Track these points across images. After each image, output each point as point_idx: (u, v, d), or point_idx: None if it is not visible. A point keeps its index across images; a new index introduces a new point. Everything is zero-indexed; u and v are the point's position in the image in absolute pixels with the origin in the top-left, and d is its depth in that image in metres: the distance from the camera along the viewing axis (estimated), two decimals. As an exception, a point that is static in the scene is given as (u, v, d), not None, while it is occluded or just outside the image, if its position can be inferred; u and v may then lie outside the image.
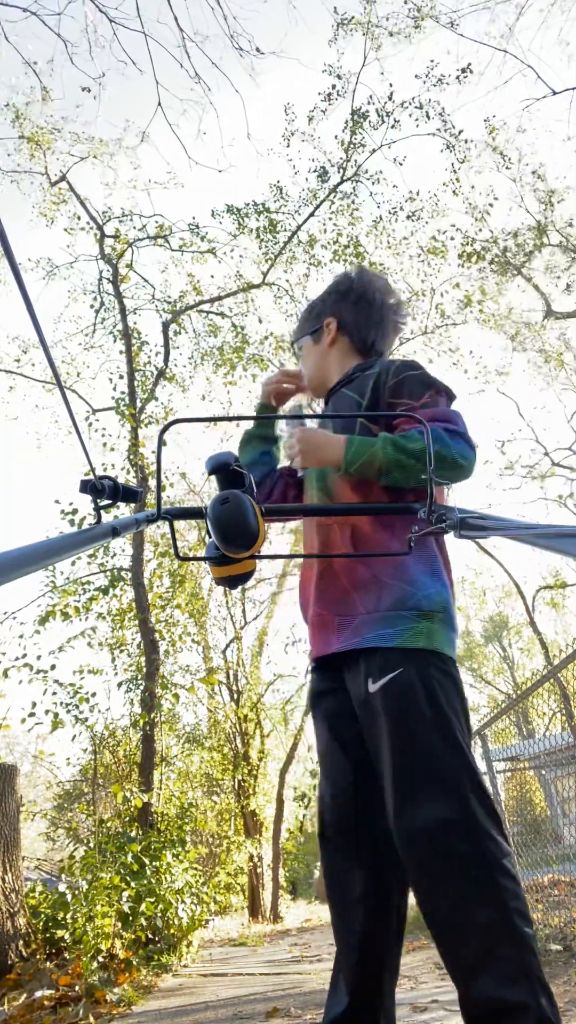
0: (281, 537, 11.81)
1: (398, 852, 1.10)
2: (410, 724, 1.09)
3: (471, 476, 1.22)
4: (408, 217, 9.56)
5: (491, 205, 9.73)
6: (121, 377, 8.18)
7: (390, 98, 9.03)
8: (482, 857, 0.99)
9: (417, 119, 9.11)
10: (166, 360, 8.49)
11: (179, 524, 1.03)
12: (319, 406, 1.66)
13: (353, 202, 9.41)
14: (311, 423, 1.44)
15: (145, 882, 4.35)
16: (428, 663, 1.13)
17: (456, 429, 1.20)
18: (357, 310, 1.49)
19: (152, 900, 4.31)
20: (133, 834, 4.94)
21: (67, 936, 4.10)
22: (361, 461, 1.19)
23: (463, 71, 8.97)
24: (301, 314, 1.60)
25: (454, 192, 9.68)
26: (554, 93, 8.82)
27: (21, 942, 3.80)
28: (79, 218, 9.45)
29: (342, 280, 1.53)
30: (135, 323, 8.53)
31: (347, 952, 1.17)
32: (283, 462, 1.55)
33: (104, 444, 7.87)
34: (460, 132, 9.22)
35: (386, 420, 1.31)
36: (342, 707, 1.24)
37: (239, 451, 1.56)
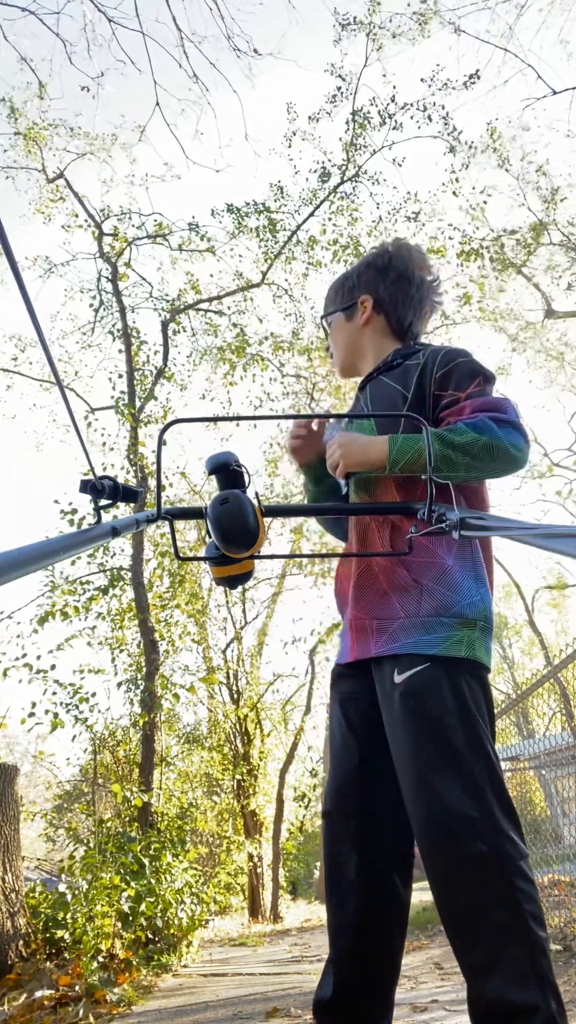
0: (281, 537, 11.80)
1: (415, 842, 1.09)
2: (434, 714, 1.07)
3: (525, 467, 1.17)
4: (407, 218, 9.56)
5: (484, 203, 9.73)
6: (120, 376, 8.17)
7: (392, 100, 9.03)
8: (499, 857, 0.99)
9: (419, 122, 9.12)
10: (165, 359, 8.49)
11: (179, 524, 1.03)
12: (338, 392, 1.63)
13: (353, 202, 9.41)
14: (343, 423, 1.38)
15: (145, 882, 4.35)
16: (462, 667, 1.11)
17: (507, 418, 1.14)
18: (396, 288, 1.40)
19: (152, 900, 4.30)
20: (133, 834, 4.94)
21: (67, 936, 4.09)
22: (406, 459, 1.14)
23: (471, 77, 8.97)
24: (332, 286, 1.49)
25: (454, 193, 9.68)
26: (554, 93, 8.83)
27: (21, 942, 3.80)
28: (76, 216, 9.44)
29: (380, 254, 1.44)
30: (134, 322, 8.51)
31: (339, 935, 1.16)
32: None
33: (103, 444, 7.88)
34: (460, 133, 9.22)
35: (433, 412, 1.25)
36: (361, 692, 1.22)
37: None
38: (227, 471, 0.95)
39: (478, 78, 8.97)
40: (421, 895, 9.97)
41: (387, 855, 1.17)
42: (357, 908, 1.14)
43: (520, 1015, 0.91)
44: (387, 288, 1.40)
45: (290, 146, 9.55)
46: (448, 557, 1.19)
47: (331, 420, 1.34)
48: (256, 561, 1.03)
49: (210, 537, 0.93)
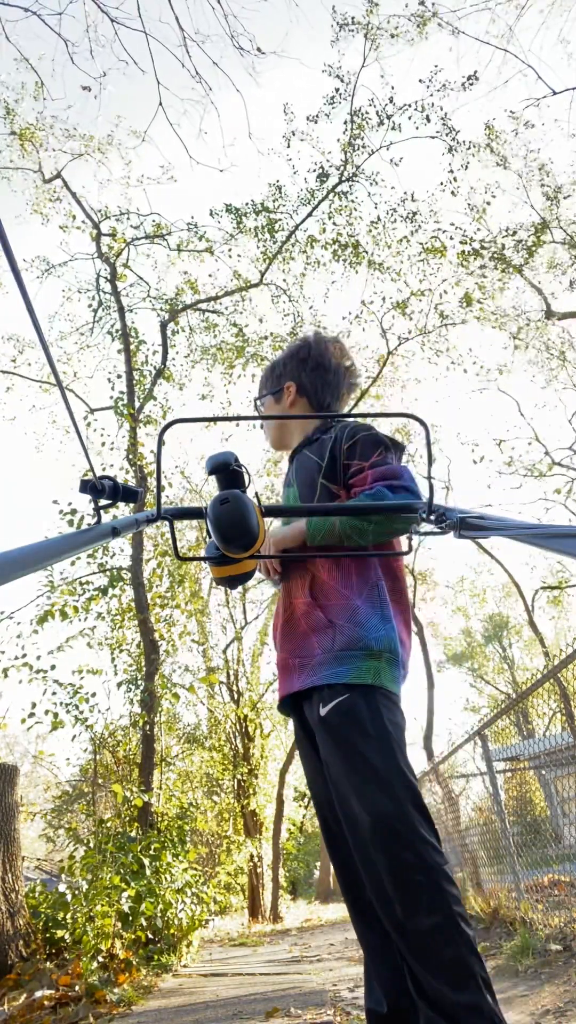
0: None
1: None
2: (354, 740, 1.20)
3: (404, 531, 1.31)
4: (405, 218, 9.56)
5: (488, 204, 9.73)
6: (119, 377, 8.17)
7: (391, 100, 9.03)
8: (424, 863, 1.08)
9: (417, 123, 9.12)
10: (164, 359, 8.49)
11: (179, 524, 1.03)
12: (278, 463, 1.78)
13: (352, 202, 9.42)
14: (277, 523, 1.53)
15: (145, 882, 4.35)
16: (374, 693, 1.24)
17: (400, 484, 1.30)
18: (314, 375, 1.61)
19: (152, 900, 4.30)
20: (133, 834, 4.94)
21: (67, 936, 4.09)
22: (322, 533, 1.31)
23: (469, 78, 8.97)
24: (263, 374, 1.72)
25: (452, 193, 9.68)
26: (554, 93, 8.83)
27: (21, 942, 3.80)
28: (74, 217, 9.44)
29: (301, 346, 1.65)
30: (132, 322, 8.51)
31: (368, 954, 1.27)
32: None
33: (103, 444, 7.87)
34: (458, 133, 9.22)
35: (343, 479, 1.42)
36: (301, 726, 1.39)
37: None
38: (227, 471, 0.95)
39: (476, 79, 8.98)
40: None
41: None
42: (376, 924, 1.24)
43: (464, 1015, 0.98)
44: (307, 375, 1.62)
45: (288, 146, 9.56)
46: (357, 598, 1.32)
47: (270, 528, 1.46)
48: (256, 561, 1.03)
49: (210, 537, 0.93)
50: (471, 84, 8.99)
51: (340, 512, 1.32)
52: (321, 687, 1.26)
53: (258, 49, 7.79)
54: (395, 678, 1.28)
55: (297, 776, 13.56)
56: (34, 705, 5.96)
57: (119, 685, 6.79)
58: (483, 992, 1.00)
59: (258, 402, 1.72)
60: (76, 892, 4.27)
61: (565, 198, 10.35)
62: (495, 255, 9.81)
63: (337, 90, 9.19)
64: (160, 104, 7.97)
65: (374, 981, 1.23)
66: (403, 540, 1.44)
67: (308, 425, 1.61)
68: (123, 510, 6.41)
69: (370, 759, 1.17)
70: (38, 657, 6.36)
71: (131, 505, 0.97)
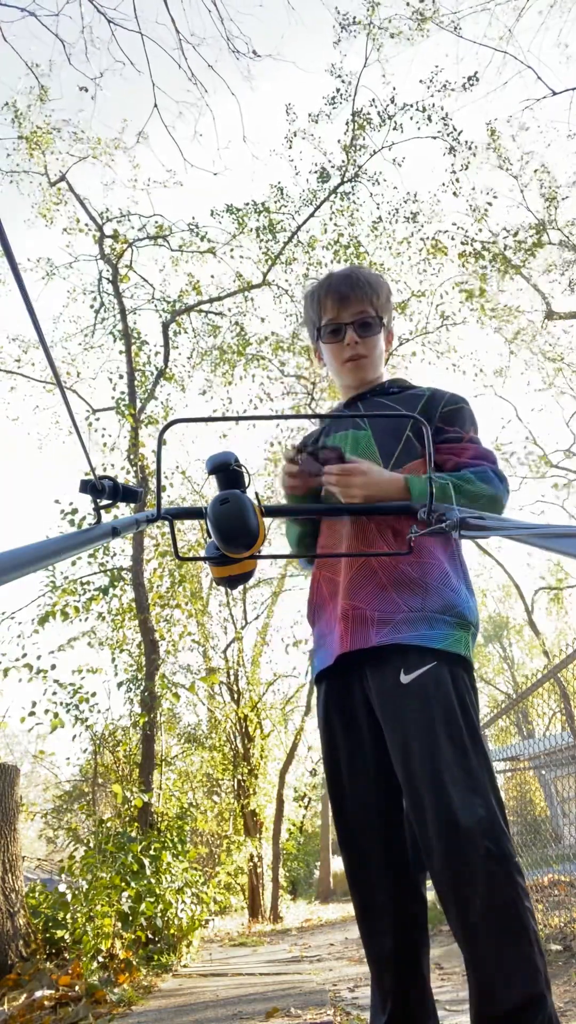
0: (281, 537, 11.79)
1: (419, 845, 1.09)
2: (443, 715, 1.08)
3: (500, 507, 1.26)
4: (407, 219, 9.57)
5: (490, 204, 9.74)
6: (121, 377, 8.18)
7: (392, 100, 9.03)
8: (504, 855, 1.01)
9: (419, 123, 9.12)
10: (166, 360, 8.49)
11: (179, 524, 1.03)
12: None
13: (354, 203, 9.42)
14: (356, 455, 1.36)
15: (145, 882, 4.35)
16: (461, 668, 1.15)
17: (502, 472, 1.25)
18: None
19: (152, 900, 4.30)
20: (133, 834, 4.94)
21: (67, 936, 4.09)
22: (430, 497, 1.18)
23: (469, 79, 8.97)
24: (384, 288, 1.45)
25: (454, 194, 9.69)
26: (554, 94, 8.84)
27: (21, 942, 3.80)
28: (78, 220, 9.46)
29: (384, 282, 1.47)
30: (135, 323, 8.52)
31: (383, 967, 1.17)
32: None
33: (104, 444, 7.88)
34: (460, 133, 9.23)
35: (432, 440, 1.26)
36: (354, 701, 1.23)
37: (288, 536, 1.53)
38: (227, 471, 0.95)
39: (477, 80, 8.98)
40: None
41: (409, 866, 1.17)
42: (394, 936, 1.16)
43: (531, 1006, 0.96)
44: (391, 323, 1.51)
45: (290, 147, 9.56)
46: (446, 562, 1.22)
47: (304, 455, 1.32)
48: (256, 561, 1.03)
49: (210, 537, 0.93)
50: (472, 85, 9.00)
51: (341, 512, 1.31)
52: (406, 648, 1.13)
53: (254, 52, 7.80)
54: (472, 648, 1.20)
55: (297, 776, 13.57)
56: (34, 705, 5.97)
57: (119, 685, 6.79)
58: (547, 986, 0.99)
59: (373, 316, 1.41)
60: (76, 892, 4.27)
61: (564, 199, 10.36)
62: (496, 255, 9.81)
63: (338, 90, 9.20)
64: (155, 106, 7.97)
65: (389, 995, 1.16)
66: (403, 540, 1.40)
67: (380, 372, 1.47)
68: (123, 510, 6.41)
69: (460, 737, 1.07)
70: (38, 657, 6.37)
71: (131, 505, 0.97)
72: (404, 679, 1.12)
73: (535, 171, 10.47)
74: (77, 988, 3.23)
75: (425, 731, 1.08)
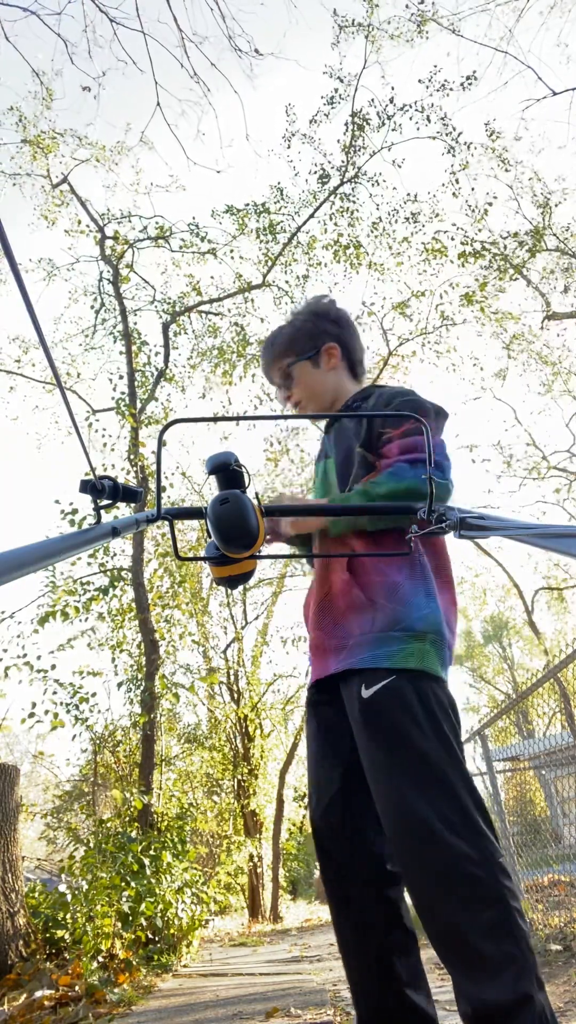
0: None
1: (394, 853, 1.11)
2: (401, 726, 1.11)
3: (450, 494, 1.24)
4: (407, 219, 9.57)
5: (490, 204, 9.74)
6: (121, 378, 8.18)
7: (391, 101, 9.03)
8: (482, 857, 1.01)
9: (418, 123, 9.13)
10: (166, 361, 8.49)
11: (179, 524, 1.03)
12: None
13: (354, 203, 9.42)
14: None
15: (145, 882, 4.35)
16: (421, 678, 1.16)
17: (420, 457, 1.21)
18: (351, 336, 1.55)
19: (152, 900, 4.30)
20: (133, 834, 4.95)
21: (67, 936, 4.09)
22: (340, 526, 1.27)
23: (468, 78, 8.97)
24: (283, 337, 1.54)
25: (454, 194, 9.69)
26: (554, 94, 8.84)
27: (21, 942, 3.80)
28: (79, 221, 9.47)
29: (330, 307, 1.56)
30: (135, 324, 8.52)
31: (362, 975, 1.17)
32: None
33: (104, 444, 7.88)
34: (460, 134, 9.23)
35: (377, 448, 1.33)
36: (338, 718, 1.27)
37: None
38: (227, 471, 0.95)
39: (475, 79, 8.98)
40: (421, 895, 9.93)
41: (386, 874, 1.19)
42: (376, 940, 1.17)
43: (518, 1008, 0.94)
44: (346, 335, 1.54)
45: (289, 147, 9.56)
46: (398, 575, 1.24)
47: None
48: (256, 561, 1.03)
49: (210, 537, 0.93)
50: (470, 84, 9.00)
51: (341, 512, 1.32)
52: (362, 670, 1.17)
53: (256, 50, 7.80)
54: (442, 661, 1.19)
55: (297, 776, 13.55)
56: (34, 705, 5.97)
57: (119, 685, 6.79)
58: (536, 986, 0.96)
59: (284, 369, 1.51)
60: (76, 892, 4.27)
61: (556, 205, 10.37)
62: (496, 255, 9.81)
63: (336, 90, 9.20)
64: (158, 104, 7.97)
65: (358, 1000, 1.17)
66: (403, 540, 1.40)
67: (344, 385, 1.51)
68: (123, 510, 6.40)
69: (421, 747, 1.08)
70: (39, 657, 6.37)
71: (131, 505, 0.97)
72: (364, 694, 1.16)
73: (528, 179, 10.49)
74: (77, 988, 3.23)
75: (384, 747, 1.11)
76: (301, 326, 1.53)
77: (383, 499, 1.20)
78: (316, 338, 1.50)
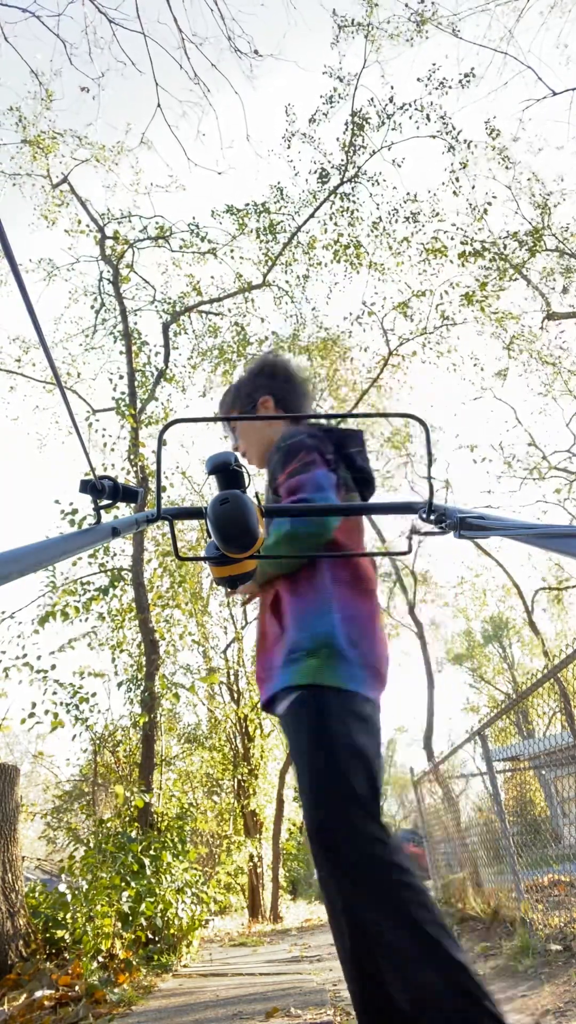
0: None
1: None
2: (293, 737, 1.23)
3: (327, 531, 1.33)
4: (407, 219, 9.57)
5: (490, 204, 9.74)
6: (121, 378, 8.18)
7: (391, 100, 9.04)
8: (373, 860, 1.06)
9: (417, 122, 9.13)
10: (166, 361, 8.50)
11: (179, 524, 1.03)
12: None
13: (354, 202, 9.42)
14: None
15: (145, 882, 4.35)
16: (317, 692, 1.23)
17: (301, 498, 1.31)
18: (287, 387, 1.67)
19: (152, 900, 4.30)
20: (133, 834, 4.95)
21: (67, 936, 4.09)
22: (258, 573, 1.39)
23: (466, 76, 8.98)
24: (225, 398, 1.73)
25: (454, 193, 9.69)
26: (554, 94, 8.85)
27: (21, 942, 3.80)
28: (80, 221, 9.47)
29: (264, 364, 1.72)
30: (135, 324, 8.53)
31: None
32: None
33: (104, 444, 7.88)
34: (459, 132, 9.23)
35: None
36: None
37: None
38: (227, 471, 0.95)
39: (474, 75, 8.99)
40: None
41: None
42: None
43: (434, 1002, 0.96)
44: (280, 387, 1.67)
45: (289, 147, 9.56)
46: (302, 601, 1.33)
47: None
48: (256, 561, 1.03)
49: (210, 537, 0.93)
50: (468, 81, 9.00)
51: (341, 512, 1.32)
52: (277, 693, 1.30)
53: (255, 51, 7.80)
54: (341, 673, 1.24)
55: (297, 776, 13.55)
56: (34, 705, 5.97)
57: (119, 685, 6.80)
58: (449, 974, 0.97)
59: (229, 424, 1.73)
60: (76, 892, 4.27)
61: (555, 206, 10.38)
62: (496, 255, 9.81)
63: (336, 90, 9.20)
64: (158, 106, 7.97)
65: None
66: (403, 540, 1.45)
67: (268, 441, 1.61)
68: (123, 510, 6.40)
69: (306, 759, 1.16)
70: (39, 657, 6.37)
71: (131, 505, 0.97)
72: (279, 712, 1.32)
73: (528, 179, 10.49)
74: (77, 988, 3.23)
75: (293, 758, 1.24)
76: (240, 385, 1.71)
77: (275, 550, 1.32)
78: (252, 394, 1.66)
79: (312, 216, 9.37)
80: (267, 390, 1.65)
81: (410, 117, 9.12)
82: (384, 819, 1.12)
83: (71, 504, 6.62)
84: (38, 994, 3.14)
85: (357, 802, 1.11)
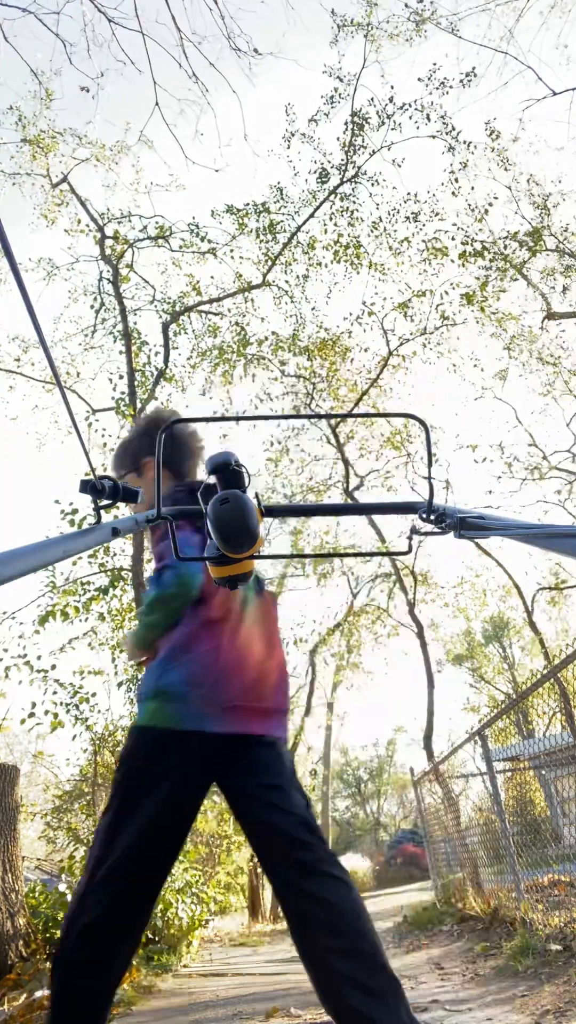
0: (281, 538, 11.81)
1: None
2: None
3: (185, 592, 1.42)
4: (407, 219, 9.57)
5: (490, 205, 9.74)
6: (121, 377, 8.18)
7: (391, 100, 9.03)
8: (72, 909, 1.24)
9: (417, 122, 9.13)
10: (166, 360, 8.50)
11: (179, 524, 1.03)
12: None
13: (354, 202, 9.42)
14: None
15: (145, 882, 4.34)
16: (138, 733, 1.37)
17: (160, 567, 1.42)
18: (170, 447, 1.71)
19: (152, 900, 4.30)
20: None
21: (67, 936, 4.08)
22: (133, 646, 1.50)
23: (467, 75, 8.97)
24: (115, 456, 1.82)
25: (453, 193, 9.69)
26: (554, 94, 8.84)
27: (21, 942, 3.80)
28: (79, 221, 9.47)
29: (150, 421, 1.78)
30: (135, 323, 8.52)
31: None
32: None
33: (104, 444, 7.88)
34: (459, 133, 9.23)
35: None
36: None
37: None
38: (227, 471, 0.95)
39: (475, 75, 8.98)
40: (420, 895, 9.92)
41: None
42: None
43: None
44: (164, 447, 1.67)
45: (289, 147, 9.56)
46: (161, 651, 1.44)
47: None
48: (256, 561, 1.03)
49: (210, 537, 0.93)
50: (469, 80, 9.00)
51: (341, 512, 1.32)
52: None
53: (255, 50, 7.79)
54: (170, 712, 1.35)
55: (297, 776, 13.56)
56: (34, 705, 5.97)
57: (119, 685, 6.79)
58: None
59: (120, 479, 1.83)
60: (76, 892, 4.26)
61: (555, 207, 10.37)
62: (497, 254, 9.81)
63: (336, 90, 9.20)
64: (157, 104, 7.97)
65: None
66: (403, 540, 1.46)
67: (151, 502, 1.70)
68: (123, 510, 6.40)
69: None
70: (39, 657, 6.37)
71: (131, 505, 0.97)
72: None
73: (528, 180, 10.49)
74: (77, 988, 3.22)
75: None
76: (127, 445, 1.79)
77: (148, 615, 1.44)
78: (137, 455, 1.75)
79: (312, 216, 9.36)
80: (150, 451, 1.71)
81: (410, 117, 9.12)
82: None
83: (71, 504, 6.62)
84: (38, 994, 3.13)
85: (103, 848, 1.28)
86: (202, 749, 1.34)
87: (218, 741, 1.35)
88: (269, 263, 9.43)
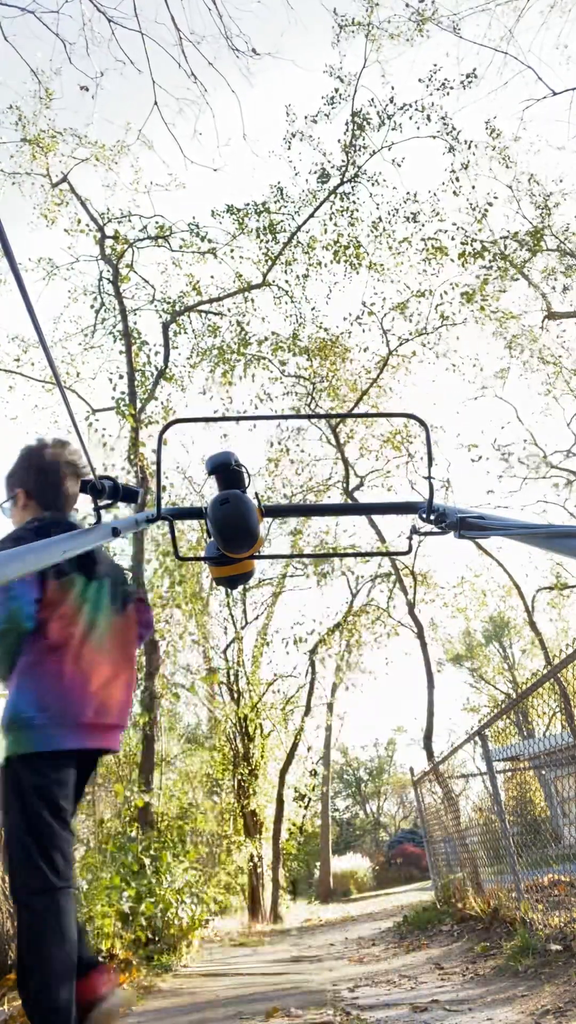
0: (281, 538, 11.81)
1: None
2: (3, 804, 1.48)
3: (19, 625, 1.50)
4: (407, 219, 9.57)
5: (490, 205, 9.74)
6: (121, 377, 8.19)
7: (391, 100, 9.04)
8: (19, 919, 1.40)
9: (418, 122, 9.13)
10: (166, 360, 8.50)
11: (179, 524, 1.03)
12: None
13: (354, 202, 9.42)
14: None
15: (145, 882, 4.35)
16: (11, 765, 1.47)
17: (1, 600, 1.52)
18: (37, 479, 1.79)
19: (152, 900, 4.30)
20: (133, 834, 4.95)
21: (67, 936, 4.08)
22: None
23: (468, 76, 8.97)
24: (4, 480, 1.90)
25: (454, 193, 9.68)
26: (554, 94, 8.84)
27: (21, 942, 3.80)
28: (79, 221, 9.47)
29: (25, 454, 1.84)
30: (135, 323, 8.53)
31: None
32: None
33: (104, 444, 7.88)
34: (459, 133, 9.23)
35: None
36: None
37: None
38: (227, 471, 0.95)
39: (475, 76, 8.99)
40: (420, 895, 9.92)
41: None
42: None
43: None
44: (32, 480, 1.80)
45: (289, 148, 9.56)
46: (17, 678, 1.51)
47: None
48: (256, 561, 1.03)
49: (210, 537, 0.93)
50: (470, 82, 9.00)
51: (341, 511, 1.32)
52: None
53: (253, 50, 7.78)
54: (34, 738, 1.46)
55: (297, 776, 13.56)
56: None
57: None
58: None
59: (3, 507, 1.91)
60: (76, 892, 4.27)
61: (555, 206, 10.37)
62: (497, 254, 9.81)
63: (337, 90, 9.20)
64: (156, 104, 7.96)
65: None
66: (403, 540, 1.45)
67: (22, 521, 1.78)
68: (123, 510, 6.40)
69: (7, 824, 1.44)
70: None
71: (131, 505, 0.97)
72: None
73: (528, 180, 10.49)
74: (77, 988, 3.22)
75: None
76: (8, 475, 1.86)
77: None
78: (11, 486, 1.83)
79: (312, 216, 9.36)
80: (21, 483, 1.80)
81: (410, 117, 9.12)
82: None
83: (71, 504, 6.62)
84: (38, 994, 3.13)
85: (27, 861, 1.42)
86: (64, 762, 1.50)
87: (76, 755, 1.52)
88: (269, 263, 9.44)
